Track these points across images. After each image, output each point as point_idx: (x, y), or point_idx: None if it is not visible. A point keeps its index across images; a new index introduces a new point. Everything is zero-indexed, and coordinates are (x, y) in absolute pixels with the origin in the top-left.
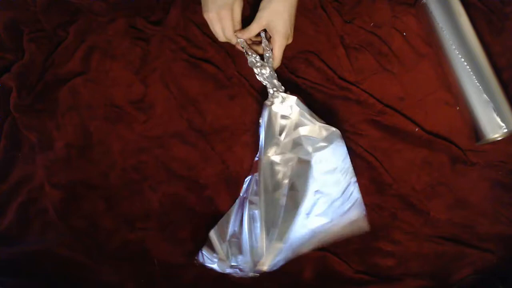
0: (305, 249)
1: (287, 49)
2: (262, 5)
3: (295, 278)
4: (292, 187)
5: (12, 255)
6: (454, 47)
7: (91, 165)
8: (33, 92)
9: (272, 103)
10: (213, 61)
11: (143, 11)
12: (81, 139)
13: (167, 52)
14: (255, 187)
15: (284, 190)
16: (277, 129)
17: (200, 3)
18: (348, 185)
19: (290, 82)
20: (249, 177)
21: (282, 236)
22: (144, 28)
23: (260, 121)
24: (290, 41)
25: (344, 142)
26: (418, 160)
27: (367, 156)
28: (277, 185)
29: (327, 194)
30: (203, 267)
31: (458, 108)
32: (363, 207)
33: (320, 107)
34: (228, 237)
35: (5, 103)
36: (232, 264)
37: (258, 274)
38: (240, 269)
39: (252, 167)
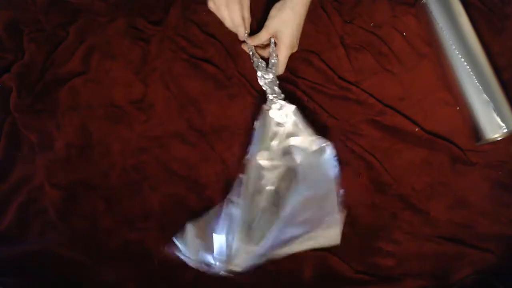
0: (277, 255)
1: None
2: (271, 13)
3: (295, 278)
4: (275, 194)
5: (12, 255)
6: (454, 47)
7: (91, 165)
8: (33, 92)
9: (270, 108)
10: (213, 61)
11: (143, 11)
12: (81, 139)
13: (167, 52)
14: (238, 188)
15: (267, 195)
16: (270, 134)
17: (200, 3)
18: (332, 199)
19: (290, 82)
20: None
21: (258, 240)
22: (144, 28)
23: (255, 123)
24: (295, 50)
25: (334, 157)
26: (418, 160)
27: (367, 156)
28: (260, 189)
29: (309, 205)
30: (172, 254)
31: (458, 108)
32: (341, 224)
33: (320, 107)
34: (203, 235)
35: (5, 103)
36: (200, 259)
37: (229, 274)
38: (210, 266)
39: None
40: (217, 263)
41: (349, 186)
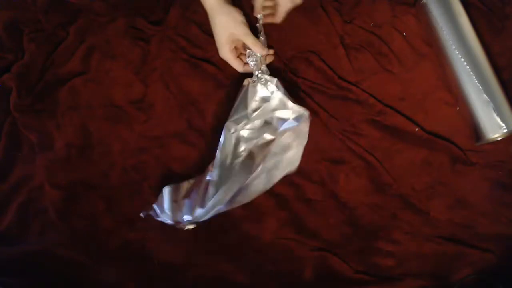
0: (240, 202)
1: (288, 49)
2: None
3: (295, 278)
4: (249, 157)
5: (12, 255)
6: (454, 47)
7: (91, 165)
8: (33, 92)
9: (256, 82)
10: (213, 61)
11: (143, 11)
12: (81, 139)
13: (167, 52)
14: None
15: (241, 160)
16: (252, 105)
17: (199, 4)
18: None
19: (290, 82)
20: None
21: (229, 193)
22: (144, 28)
23: (238, 94)
24: (298, 2)
25: (308, 124)
26: (418, 160)
27: (367, 156)
28: (235, 157)
29: (280, 165)
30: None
31: (458, 108)
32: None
33: (320, 107)
34: (179, 198)
35: (5, 103)
36: (174, 220)
37: (193, 226)
38: (179, 223)
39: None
40: (186, 222)
41: (349, 186)
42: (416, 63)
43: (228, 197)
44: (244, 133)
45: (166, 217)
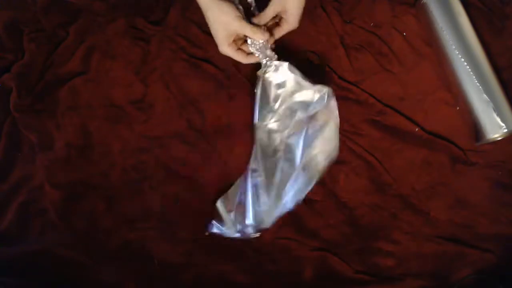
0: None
1: (288, 49)
2: None
3: (295, 278)
4: (288, 150)
5: (12, 255)
6: (454, 47)
7: (91, 165)
8: (33, 92)
9: (266, 72)
10: (213, 61)
11: (143, 11)
12: (81, 139)
13: (167, 52)
14: (255, 157)
15: (281, 154)
16: (272, 97)
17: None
18: (335, 139)
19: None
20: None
21: (280, 194)
22: (144, 28)
23: (255, 91)
24: (296, 26)
25: (335, 99)
26: (418, 160)
27: (367, 156)
28: (275, 151)
29: (316, 149)
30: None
31: (458, 108)
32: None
33: None
34: (234, 207)
35: (5, 103)
36: (239, 229)
37: (260, 233)
38: (244, 232)
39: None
40: (249, 228)
41: (349, 186)
42: (416, 63)
43: (283, 196)
44: (274, 126)
45: (230, 231)
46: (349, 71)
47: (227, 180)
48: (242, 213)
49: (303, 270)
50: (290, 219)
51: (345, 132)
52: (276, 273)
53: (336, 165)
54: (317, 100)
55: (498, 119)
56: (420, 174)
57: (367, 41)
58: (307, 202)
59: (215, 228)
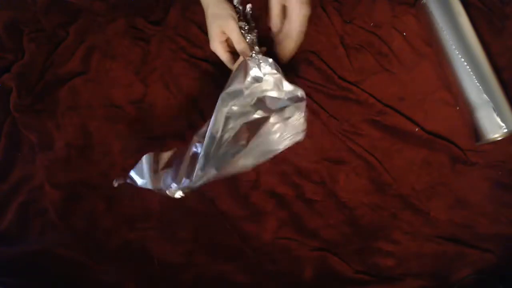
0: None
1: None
2: None
3: (295, 278)
4: (239, 133)
5: (12, 255)
6: (454, 47)
7: (91, 165)
8: (33, 92)
9: (249, 60)
10: (213, 61)
11: (143, 11)
12: (81, 139)
13: (167, 52)
14: (204, 129)
15: (230, 135)
16: (246, 83)
17: (199, 4)
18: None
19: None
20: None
21: (218, 166)
22: (144, 28)
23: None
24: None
25: (305, 104)
26: (418, 160)
27: (367, 156)
28: (225, 131)
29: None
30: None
31: (458, 108)
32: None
33: (320, 107)
34: (159, 168)
35: (5, 103)
36: (158, 187)
37: (183, 194)
38: (163, 189)
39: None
40: (174, 185)
41: (349, 186)
42: (416, 63)
43: (217, 171)
44: (236, 108)
45: (145, 184)
46: (349, 71)
47: (227, 179)
48: (167, 176)
49: (303, 270)
50: (290, 219)
51: (345, 132)
52: (276, 273)
53: (336, 165)
54: (286, 99)
55: (498, 119)
56: (420, 174)
57: (367, 41)
58: (307, 202)
59: (129, 179)
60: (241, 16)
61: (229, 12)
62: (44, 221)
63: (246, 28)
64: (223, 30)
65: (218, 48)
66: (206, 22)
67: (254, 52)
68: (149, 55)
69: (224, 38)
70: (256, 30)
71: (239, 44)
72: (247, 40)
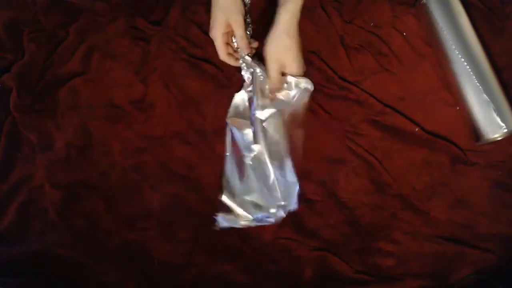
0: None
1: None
2: (269, 48)
3: (295, 278)
4: (282, 138)
5: (12, 255)
6: (454, 47)
7: (91, 165)
8: (33, 92)
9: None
10: (213, 61)
11: (143, 11)
12: (81, 139)
13: (167, 52)
14: (245, 142)
15: (279, 140)
16: (257, 89)
17: (200, 4)
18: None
19: None
20: (228, 133)
21: (291, 179)
22: (144, 28)
23: (247, 79)
24: (304, 70)
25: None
26: (418, 160)
27: (367, 156)
28: (271, 138)
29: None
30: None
31: (458, 108)
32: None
33: (320, 107)
34: (237, 195)
35: (5, 103)
36: (255, 218)
37: (284, 216)
38: (266, 220)
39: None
40: (270, 215)
41: (349, 186)
42: (416, 63)
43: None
44: (261, 115)
45: (241, 221)
46: (349, 71)
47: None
48: (250, 202)
49: (303, 270)
50: (290, 219)
51: (345, 132)
52: (276, 273)
53: (336, 165)
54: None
55: (498, 119)
56: (420, 174)
57: (367, 41)
58: (307, 202)
59: (225, 222)
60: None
61: (239, 7)
62: (44, 221)
63: (247, 21)
64: (229, 22)
65: (218, 37)
66: (212, 9)
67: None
68: (149, 55)
69: (227, 30)
70: (250, 29)
71: (242, 40)
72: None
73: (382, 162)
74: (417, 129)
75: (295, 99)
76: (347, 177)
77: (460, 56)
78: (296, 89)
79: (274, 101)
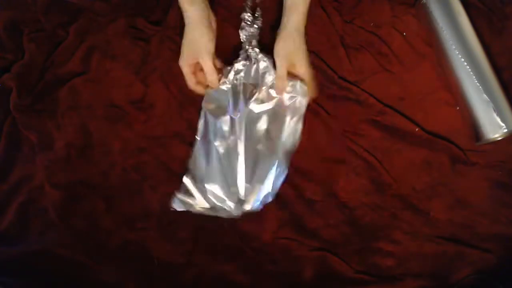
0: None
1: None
2: (278, 49)
3: (295, 278)
4: (268, 137)
5: (12, 255)
6: (454, 47)
7: (91, 165)
8: (33, 92)
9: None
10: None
11: (143, 11)
12: (81, 139)
13: (167, 52)
14: (219, 130)
15: (262, 138)
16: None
17: None
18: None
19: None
20: (202, 118)
21: (262, 179)
22: (144, 28)
23: (240, 64)
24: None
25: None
26: (418, 160)
27: (367, 156)
28: (256, 133)
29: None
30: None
31: (458, 108)
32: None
33: (320, 107)
34: (199, 181)
35: (5, 103)
36: (211, 207)
37: (240, 214)
38: (219, 211)
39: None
40: (228, 208)
41: (349, 186)
42: (416, 63)
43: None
44: (256, 108)
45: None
46: (349, 71)
47: None
48: (211, 191)
49: (303, 270)
50: (290, 219)
51: (345, 132)
52: (276, 273)
53: (336, 165)
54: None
55: (498, 119)
56: (420, 174)
57: (367, 41)
58: (307, 202)
59: (182, 205)
60: (248, 7)
61: (206, 42)
62: (44, 221)
63: (250, 20)
64: (196, 58)
65: (185, 68)
66: (184, 37)
67: (251, 47)
68: (149, 55)
69: (195, 62)
70: (259, 22)
71: (211, 76)
72: (246, 34)
73: (382, 162)
74: (417, 129)
75: (295, 103)
76: (347, 177)
77: (460, 56)
78: (299, 94)
79: (274, 99)
